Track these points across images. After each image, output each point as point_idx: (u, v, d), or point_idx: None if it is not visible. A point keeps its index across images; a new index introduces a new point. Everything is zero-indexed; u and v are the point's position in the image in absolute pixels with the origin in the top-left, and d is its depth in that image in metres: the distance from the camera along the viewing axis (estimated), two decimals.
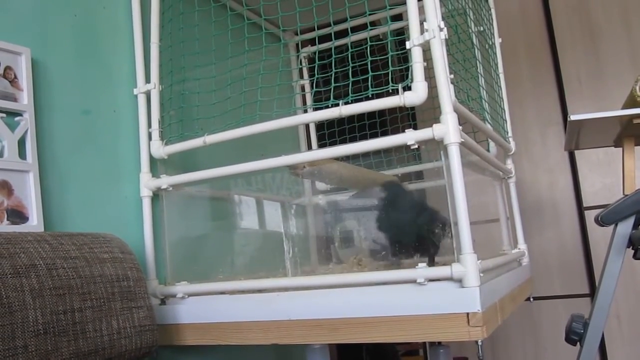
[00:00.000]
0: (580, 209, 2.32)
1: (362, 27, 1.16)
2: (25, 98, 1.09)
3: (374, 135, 1.27)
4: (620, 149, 1.46)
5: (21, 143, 1.07)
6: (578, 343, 1.24)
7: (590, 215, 2.28)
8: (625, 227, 1.18)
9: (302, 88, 1.96)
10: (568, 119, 1.23)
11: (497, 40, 1.72)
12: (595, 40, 2.33)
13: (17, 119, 1.07)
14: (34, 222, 1.06)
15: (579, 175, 2.32)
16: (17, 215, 1.04)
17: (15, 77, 1.08)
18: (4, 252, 0.86)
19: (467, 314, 0.92)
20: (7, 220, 1.02)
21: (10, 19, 1.11)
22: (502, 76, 1.70)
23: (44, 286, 0.88)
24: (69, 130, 1.19)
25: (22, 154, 1.06)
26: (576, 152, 2.32)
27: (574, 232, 2.34)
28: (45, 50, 1.17)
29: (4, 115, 1.05)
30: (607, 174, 2.29)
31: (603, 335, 2.13)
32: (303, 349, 1.36)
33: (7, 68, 1.07)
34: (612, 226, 1.20)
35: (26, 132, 1.08)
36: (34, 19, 1.16)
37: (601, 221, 1.19)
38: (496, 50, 1.71)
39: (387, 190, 1.32)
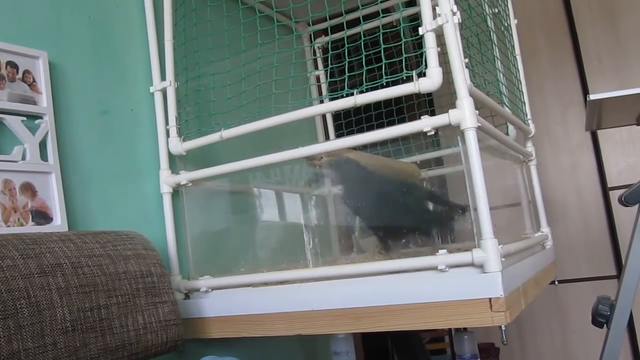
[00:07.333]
0: (605, 190, 2.28)
1: (375, 15, 1.15)
2: (44, 101, 1.11)
3: (392, 123, 1.26)
4: None
5: (42, 145, 1.09)
6: (605, 325, 1.22)
7: (614, 196, 2.24)
8: None
9: (317, 79, 1.95)
10: (587, 99, 1.21)
11: (513, 22, 1.69)
12: (615, 17, 2.28)
13: (37, 121, 1.09)
14: (58, 222, 1.08)
15: (602, 155, 2.29)
16: (42, 216, 1.06)
17: (34, 80, 1.10)
18: (31, 252, 0.88)
19: (490, 299, 0.91)
20: (32, 221, 1.04)
21: (26, 24, 1.13)
22: (519, 58, 1.67)
23: (70, 284, 0.89)
24: (88, 130, 1.21)
25: (43, 156, 1.08)
26: (599, 131, 2.28)
27: (598, 213, 2.31)
28: (62, 53, 1.18)
29: (24, 118, 1.07)
30: (631, 153, 2.25)
31: (631, 316, 2.10)
32: (327, 338, 1.37)
33: (26, 72, 1.09)
34: (637, 206, 1.18)
35: (47, 134, 1.09)
36: (50, 23, 1.17)
37: (625, 201, 1.17)
38: (512, 32, 1.68)
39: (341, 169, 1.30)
